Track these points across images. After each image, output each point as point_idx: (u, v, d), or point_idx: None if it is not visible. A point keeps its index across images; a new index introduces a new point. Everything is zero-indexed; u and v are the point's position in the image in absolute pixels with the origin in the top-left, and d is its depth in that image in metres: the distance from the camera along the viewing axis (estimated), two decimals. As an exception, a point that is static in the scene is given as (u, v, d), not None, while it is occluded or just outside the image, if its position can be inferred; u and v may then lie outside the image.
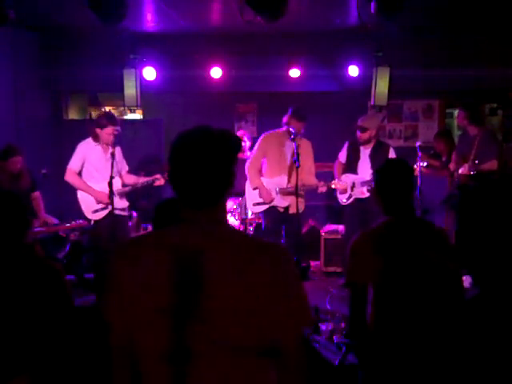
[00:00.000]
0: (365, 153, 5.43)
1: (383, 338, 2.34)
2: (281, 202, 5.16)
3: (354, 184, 5.37)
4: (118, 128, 4.89)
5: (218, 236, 1.42)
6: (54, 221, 5.32)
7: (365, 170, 5.37)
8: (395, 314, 2.32)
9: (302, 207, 5.06)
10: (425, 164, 5.30)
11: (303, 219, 5.52)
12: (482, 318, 1.25)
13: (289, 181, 5.11)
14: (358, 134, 5.35)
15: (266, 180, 5.20)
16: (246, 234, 4.40)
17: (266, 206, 5.20)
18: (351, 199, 5.40)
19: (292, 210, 5.04)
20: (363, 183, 5.31)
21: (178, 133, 1.46)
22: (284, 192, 5.12)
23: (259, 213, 5.39)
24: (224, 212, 1.49)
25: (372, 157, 5.39)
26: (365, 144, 5.40)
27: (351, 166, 5.46)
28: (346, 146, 5.60)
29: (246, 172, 5.29)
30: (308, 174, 5.18)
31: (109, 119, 4.99)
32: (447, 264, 2.33)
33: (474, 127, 5.57)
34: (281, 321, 1.38)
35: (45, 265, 2.26)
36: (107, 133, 4.90)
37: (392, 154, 5.38)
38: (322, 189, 5.16)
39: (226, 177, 1.42)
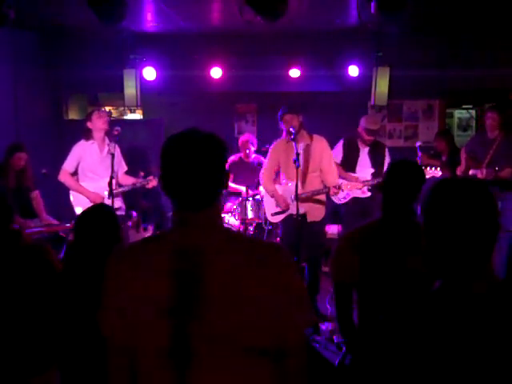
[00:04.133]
0: (364, 152, 5.43)
1: (367, 337, 2.35)
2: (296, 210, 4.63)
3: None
4: (119, 127, 4.82)
5: (217, 237, 1.43)
6: (55, 222, 5.30)
7: (364, 169, 5.36)
8: (376, 315, 2.32)
9: (319, 214, 4.81)
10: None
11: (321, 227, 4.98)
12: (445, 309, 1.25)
13: (302, 186, 4.63)
14: (368, 136, 5.31)
15: (281, 188, 4.92)
16: (244, 234, 4.37)
17: (284, 216, 4.89)
18: (348, 198, 5.37)
19: (310, 219, 4.76)
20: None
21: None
22: (299, 198, 4.56)
23: (278, 223, 5.06)
24: (219, 212, 1.49)
25: (371, 155, 5.39)
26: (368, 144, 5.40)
27: (349, 165, 5.40)
28: (340, 144, 5.50)
29: (261, 182, 5.07)
30: (327, 174, 4.78)
31: (95, 109, 4.97)
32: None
33: (498, 131, 5.23)
34: (282, 321, 1.39)
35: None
36: (96, 118, 4.85)
37: (387, 154, 5.43)
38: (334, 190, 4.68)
39: (219, 177, 1.43)
